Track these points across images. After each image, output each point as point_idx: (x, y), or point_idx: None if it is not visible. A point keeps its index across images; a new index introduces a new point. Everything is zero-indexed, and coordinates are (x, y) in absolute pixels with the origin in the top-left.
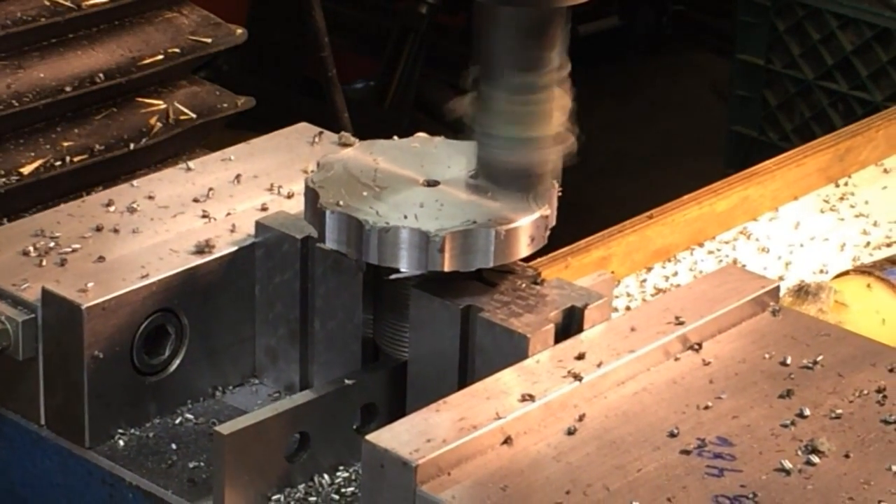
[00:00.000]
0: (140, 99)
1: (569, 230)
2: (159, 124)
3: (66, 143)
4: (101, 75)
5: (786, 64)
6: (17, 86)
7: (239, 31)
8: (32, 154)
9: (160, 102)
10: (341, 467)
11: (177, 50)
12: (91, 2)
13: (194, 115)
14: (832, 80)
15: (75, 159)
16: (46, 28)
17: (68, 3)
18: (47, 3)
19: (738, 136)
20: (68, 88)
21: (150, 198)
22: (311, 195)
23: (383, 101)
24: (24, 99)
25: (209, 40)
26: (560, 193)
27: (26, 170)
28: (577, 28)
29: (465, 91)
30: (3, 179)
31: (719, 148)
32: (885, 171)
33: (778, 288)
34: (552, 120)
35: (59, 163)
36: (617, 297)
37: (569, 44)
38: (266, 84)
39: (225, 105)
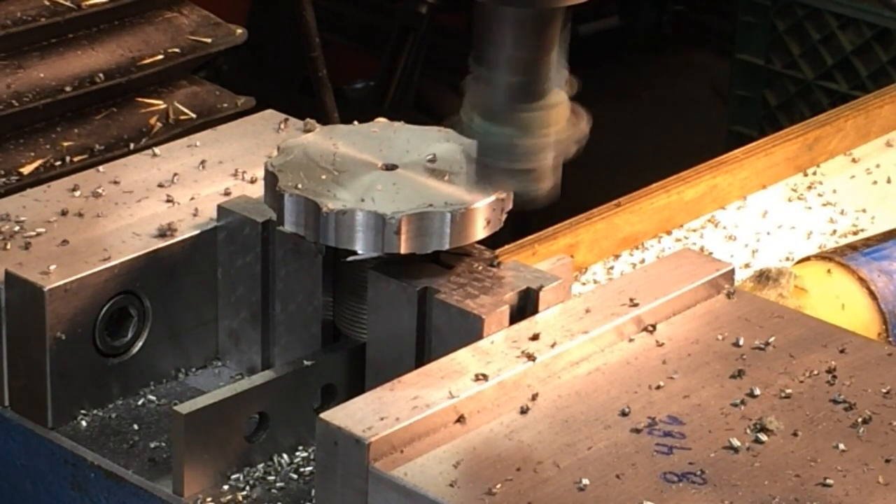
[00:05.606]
0: (140, 99)
1: None
2: (159, 124)
3: (66, 143)
4: (101, 75)
5: (786, 64)
6: (17, 86)
7: (239, 31)
8: (32, 154)
9: (160, 102)
10: (300, 447)
11: (177, 50)
12: (91, 2)
13: (194, 115)
14: (832, 80)
15: (75, 159)
16: (46, 28)
17: (68, 3)
18: (47, 3)
19: (738, 136)
20: (68, 88)
21: (116, 183)
22: (271, 179)
23: (383, 101)
24: (24, 99)
25: (209, 40)
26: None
27: (26, 170)
28: (577, 28)
29: (464, 91)
30: (3, 179)
31: (719, 148)
32: (854, 160)
33: (732, 271)
34: (552, 120)
35: (59, 163)
36: (584, 283)
37: (569, 44)
38: (266, 84)
39: (225, 105)
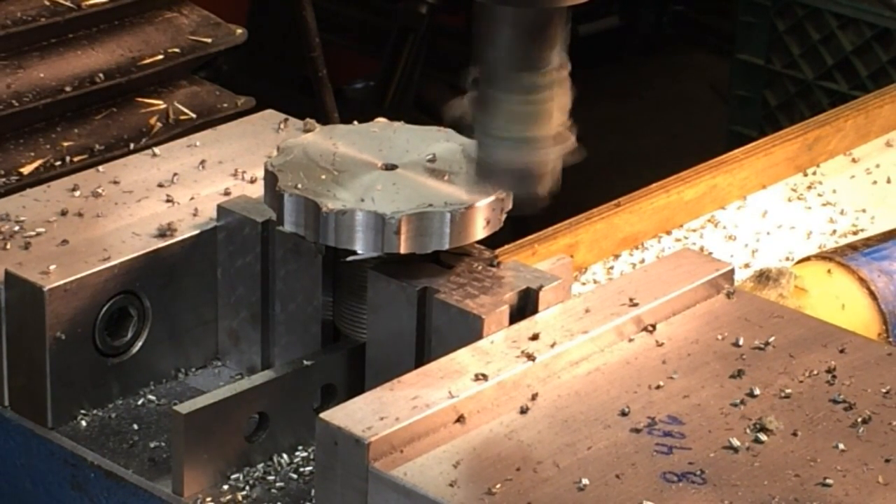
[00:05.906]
0: (140, 99)
1: None
2: (159, 124)
3: (66, 143)
4: (101, 75)
5: (786, 64)
6: (17, 86)
7: (239, 31)
8: (32, 154)
9: (160, 102)
10: (300, 447)
11: (177, 50)
12: (91, 2)
13: (194, 115)
14: (832, 80)
15: (75, 159)
16: (46, 28)
17: (68, 3)
18: (47, 3)
19: (738, 136)
20: (68, 88)
21: (116, 183)
22: (271, 178)
23: (383, 102)
24: (24, 99)
25: (209, 40)
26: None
27: (26, 170)
28: (577, 28)
29: (464, 91)
30: (3, 179)
31: (719, 148)
32: (854, 160)
33: (732, 271)
34: (552, 120)
35: (59, 163)
36: (584, 283)
37: (569, 44)
38: (266, 84)
39: (225, 105)
